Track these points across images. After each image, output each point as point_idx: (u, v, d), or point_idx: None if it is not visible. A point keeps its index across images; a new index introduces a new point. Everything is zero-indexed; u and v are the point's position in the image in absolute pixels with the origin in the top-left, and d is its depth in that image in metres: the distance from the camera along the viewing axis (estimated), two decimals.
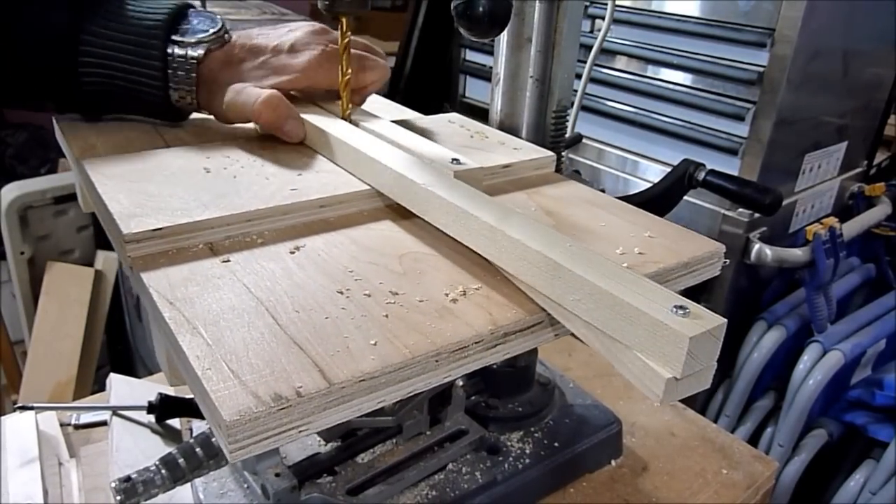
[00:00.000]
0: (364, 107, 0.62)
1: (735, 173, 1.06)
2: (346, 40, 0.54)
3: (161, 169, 0.50)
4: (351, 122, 0.57)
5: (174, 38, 0.53)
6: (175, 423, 0.71)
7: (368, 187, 0.49)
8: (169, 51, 0.53)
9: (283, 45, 0.56)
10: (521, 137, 0.61)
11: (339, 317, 0.36)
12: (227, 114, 0.55)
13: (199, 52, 0.53)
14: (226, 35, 0.55)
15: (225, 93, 0.54)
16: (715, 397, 1.25)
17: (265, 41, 0.56)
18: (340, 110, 0.57)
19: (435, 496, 0.55)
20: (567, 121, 0.63)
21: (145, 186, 0.46)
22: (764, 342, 1.16)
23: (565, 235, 0.39)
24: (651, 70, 1.19)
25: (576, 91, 0.82)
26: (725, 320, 0.32)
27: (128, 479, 0.50)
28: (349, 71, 0.55)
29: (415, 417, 0.58)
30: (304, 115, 0.56)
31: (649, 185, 0.68)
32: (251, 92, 0.54)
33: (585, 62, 0.89)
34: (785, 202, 1.14)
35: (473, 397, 0.63)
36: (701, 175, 0.67)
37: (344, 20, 0.53)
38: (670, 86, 1.16)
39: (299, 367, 0.32)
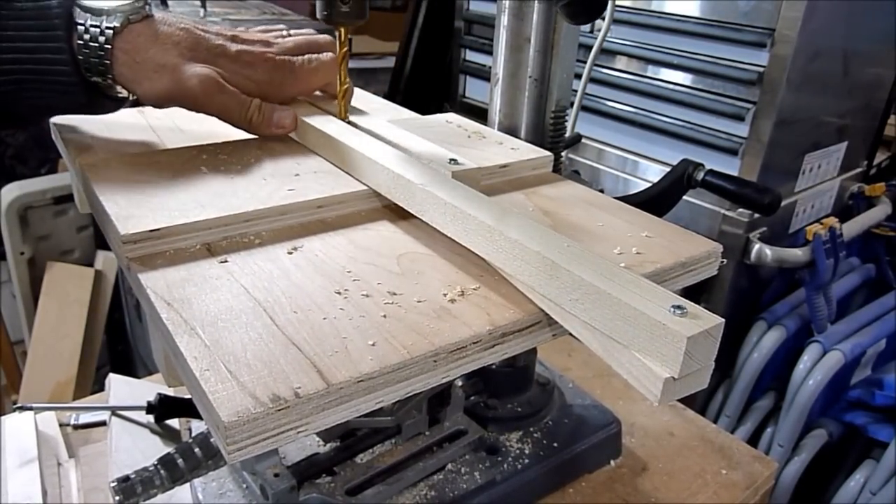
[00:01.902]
0: (362, 107, 0.62)
1: (735, 173, 1.06)
2: (345, 50, 0.54)
3: (158, 169, 0.50)
4: (348, 122, 0.57)
5: (83, 2, 0.48)
6: (174, 423, 0.71)
7: (366, 188, 0.49)
8: (79, 21, 0.47)
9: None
10: (520, 137, 0.61)
11: (337, 317, 0.36)
12: (198, 106, 0.52)
13: (115, 23, 0.47)
14: (147, 6, 0.50)
15: (150, 71, 0.49)
16: (715, 397, 1.25)
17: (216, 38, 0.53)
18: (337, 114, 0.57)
19: (434, 496, 0.55)
20: (566, 121, 0.63)
21: (142, 187, 0.46)
22: (764, 342, 1.16)
23: (563, 235, 0.39)
24: (651, 70, 1.19)
25: (575, 91, 0.82)
26: (723, 320, 0.32)
27: (126, 479, 0.50)
28: (347, 80, 0.56)
29: (414, 418, 0.58)
30: (301, 116, 0.56)
31: (649, 185, 0.68)
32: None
33: (585, 62, 0.89)
34: (785, 202, 1.14)
35: (472, 397, 0.63)
36: (700, 175, 0.66)
37: (342, 30, 0.53)
38: (670, 86, 1.16)
39: (297, 368, 0.32)
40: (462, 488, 0.56)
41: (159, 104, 0.53)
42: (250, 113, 0.54)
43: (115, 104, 0.54)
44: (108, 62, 0.48)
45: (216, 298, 0.37)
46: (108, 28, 0.48)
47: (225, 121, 0.54)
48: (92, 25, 0.47)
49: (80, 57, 0.48)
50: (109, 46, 0.48)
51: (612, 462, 0.66)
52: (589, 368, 0.80)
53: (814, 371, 1.10)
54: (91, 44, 0.48)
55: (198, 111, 0.53)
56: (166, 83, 0.50)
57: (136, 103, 0.55)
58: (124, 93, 0.52)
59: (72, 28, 0.48)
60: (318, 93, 0.62)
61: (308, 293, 0.38)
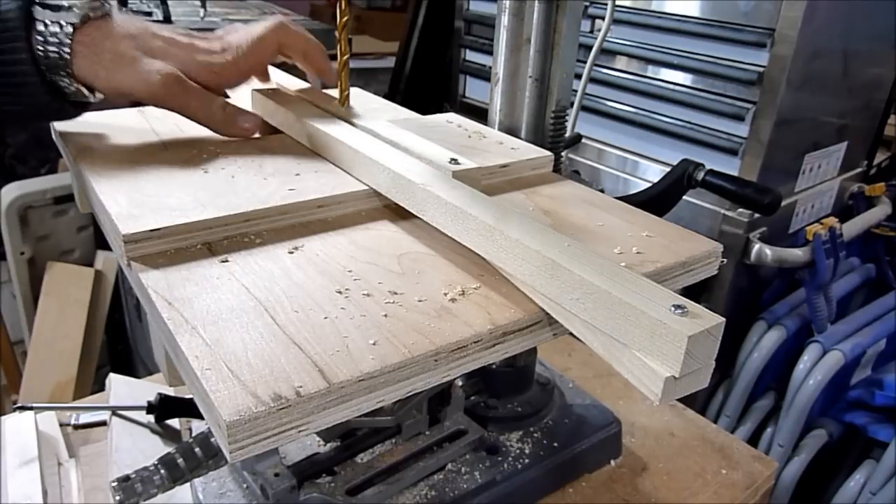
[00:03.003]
0: (362, 107, 0.62)
1: (735, 173, 1.06)
2: (346, 18, 0.54)
3: (159, 169, 0.50)
4: (349, 122, 0.57)
5: None
6: (174, 423, 0.71)
7: (366, 187, 0.49)
8: (39, 17, 0.47)
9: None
10: (520, 137, 0.61)
11: (338, 317, 0.36)
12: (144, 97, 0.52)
13: (74, 19, 0.48)
14: (105, 4, 0.50)
15: (108, 61, 0.50)
16: (715, 397, 1.25)
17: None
18: (339, 92, 0.58)
19: (434, 496, 0.55)
20: (566, 121, 0.63)
21: (143, 186, 0.46)
22: (764, 342, 1.16)
23: (563, 235, 0.39)
24: (651, 70, 1.19)
25: (576, 91, 0.82)
26: (724, 319, 0.32)
27: (127, 478, 0.50)
28: (348, 52, 0.56)
29: (414, 417, 0.58)
30: (301, 116, 0.56)
31: (649, 185, 0.68)
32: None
33: (585, 62, 0.89)
34: (785, 202, 1.14)
35: (473, 397, 0.63)
36: (700, 175, 0.67)
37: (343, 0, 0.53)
38: (670, 86, 1.16)
39: (299, 367, 0.32)
40: (462, 488, 0.56)
41: (117, 97, 0.53)
42: (214, 111, 0.54)
43: (75, 109, 0.53)
44: (68, 56, 0.48)
45: (217, 298, 0.37)
46: (68, 23, 0.48)
47: (188, 118, 0.54)
48: (52, 21, 0.48)
49: (40, 52, 0.48)
50: (70, 41, 0.48)
51: (612, 462, 0.66)
52: (589, 368, 0.80)
53: (814, 371, 1.10)
54: (51, 39, 0.48)
55: (158, 107, 0.53)
56: (125, 76, 0.50)
57: (101, 107, 0.55)
58: (85, 94, 0.52)
59: (31, 27, 0.48)
60: (317, 91, 0.62)
61: (309, 292, 0.38)
